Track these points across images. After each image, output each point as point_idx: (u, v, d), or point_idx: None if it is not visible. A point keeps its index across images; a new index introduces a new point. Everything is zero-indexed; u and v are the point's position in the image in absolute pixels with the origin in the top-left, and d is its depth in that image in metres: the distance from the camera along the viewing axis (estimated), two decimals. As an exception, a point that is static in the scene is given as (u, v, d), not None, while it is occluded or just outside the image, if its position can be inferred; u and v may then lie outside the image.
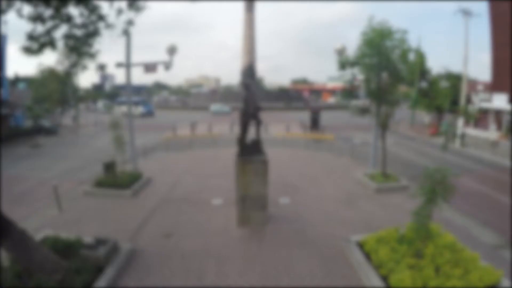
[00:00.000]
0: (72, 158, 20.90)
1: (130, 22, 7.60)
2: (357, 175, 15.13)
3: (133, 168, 15.35)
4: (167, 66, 14.47)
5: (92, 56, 7.98)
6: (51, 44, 6.88)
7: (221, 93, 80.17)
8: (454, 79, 32.07)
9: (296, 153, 20.89)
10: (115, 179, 13.29)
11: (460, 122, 27.25)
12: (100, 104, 63.63)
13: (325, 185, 14.19)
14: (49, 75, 37.71)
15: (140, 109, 52.69)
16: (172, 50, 14.26)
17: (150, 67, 14.57)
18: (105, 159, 14.07)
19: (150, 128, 35.42)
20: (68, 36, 7.26)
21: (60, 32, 7.04)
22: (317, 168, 17.14)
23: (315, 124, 32.47)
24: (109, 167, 13.69)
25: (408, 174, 15.56)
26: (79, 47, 7.72)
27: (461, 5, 26.99)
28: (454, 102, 30.00)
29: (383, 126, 13.86)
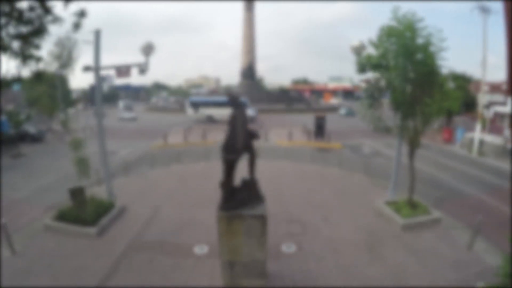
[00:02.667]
0: (51, 171, 18.48)
1: (81, 14, 6.85)
2: (377, 203, 12.43)
3: (106, 192, 12.78)
4: (142, 69, 11.76)
5: (38, 60, 6.81)
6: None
7: (221, 94, 78.07)
8: (460, 80, 29.72)
9: (301, 168, 18.24)
10: (81, 210, 10.78)
11: (478, 128, 24.64)
12: (121, 104, 62.51)
13: (340, 219, 11.49)
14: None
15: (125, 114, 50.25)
16: (147, 50, 11.52)
17: (122, 71, 11.91)
18: (74, 182, 11.79)
19: (142, 134, 32.93)
20: (14, 36, 6.41)
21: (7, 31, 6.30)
22: (327, 191, 14.44)
23: (320, 131, 29.66)
24: (76, 194, 11.18)
25: (433, 196, 13.11)
26: (25, 49, 6.64)
27: (478, 3, 24.50)
28: (465, 105, 27.86)
29: (413, 144, 11.24)
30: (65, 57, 35.62)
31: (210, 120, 42.69)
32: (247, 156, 7.17)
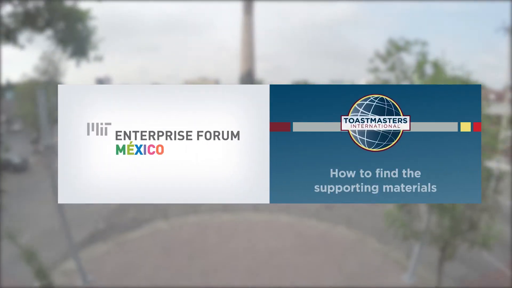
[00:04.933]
0: (30, 223, 16.11)
1: None
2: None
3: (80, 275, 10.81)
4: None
5: None
6: None
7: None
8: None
9: (301, 229, 16.05)
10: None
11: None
12: None
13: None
14: (23, 90, 32.83)
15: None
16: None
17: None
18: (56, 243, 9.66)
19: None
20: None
21: None
22: (334, 273, 12.39)
23: None
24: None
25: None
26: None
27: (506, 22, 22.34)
28: None
29: (445, 254, 9.18)
30: (52, 73, 33.39)
31: None
32: None
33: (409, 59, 9.74)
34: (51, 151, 34.38)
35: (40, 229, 15.26)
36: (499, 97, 25.78)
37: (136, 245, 14.73)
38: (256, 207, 17.42)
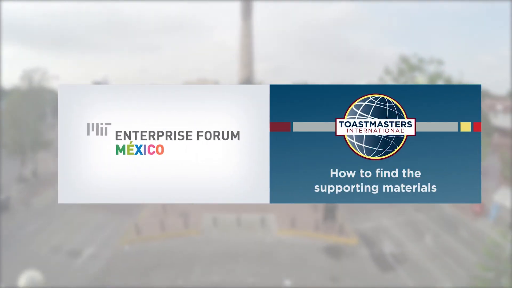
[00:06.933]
0: None
1: None
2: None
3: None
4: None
5: None
6: None
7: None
8: None
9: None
10: None
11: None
12: None
13: None
14: (6, 117, 30.97)
15: None
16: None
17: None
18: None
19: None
20: None
21: None
22: None
23: (330, 214, 23.86)
24: None
25: None
26: None
27: None
28: None
29: None
30: (34, 94, 32.29)
31: None
32: None
33: (422, 79, 8.98)
34: (36, 175, 31.48)
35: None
36: (506, 107, 24.99)
37: None
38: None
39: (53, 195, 23.92)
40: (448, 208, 23.40)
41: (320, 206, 23.58)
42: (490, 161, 22.47)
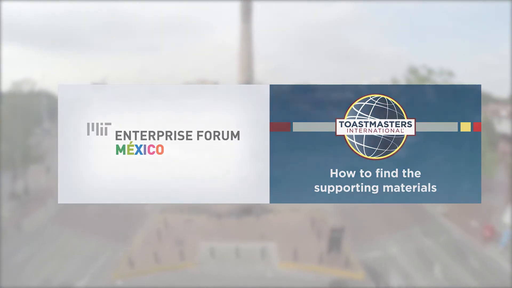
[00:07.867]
0: None
1: None
2: None
3: None
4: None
5: None
6: None
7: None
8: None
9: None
10: None
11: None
12: None
13: None
14: None
15: None
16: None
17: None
18: None
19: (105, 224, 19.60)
20: None
21: None
22: None
23: (335, 246, 23.84)
24: None
25: None
26: None
27: None
28: None
29: None
30: (24, 105, 31.44)
31: None
32: None
33: None
34: (27, 193, 29.22)
35: None
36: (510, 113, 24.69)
37: None
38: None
39: (45, 216, 23.42)
40: (457, 233, 22.30)
41: (324, 233, 21.95)
42: (497, 175, 21.66)
